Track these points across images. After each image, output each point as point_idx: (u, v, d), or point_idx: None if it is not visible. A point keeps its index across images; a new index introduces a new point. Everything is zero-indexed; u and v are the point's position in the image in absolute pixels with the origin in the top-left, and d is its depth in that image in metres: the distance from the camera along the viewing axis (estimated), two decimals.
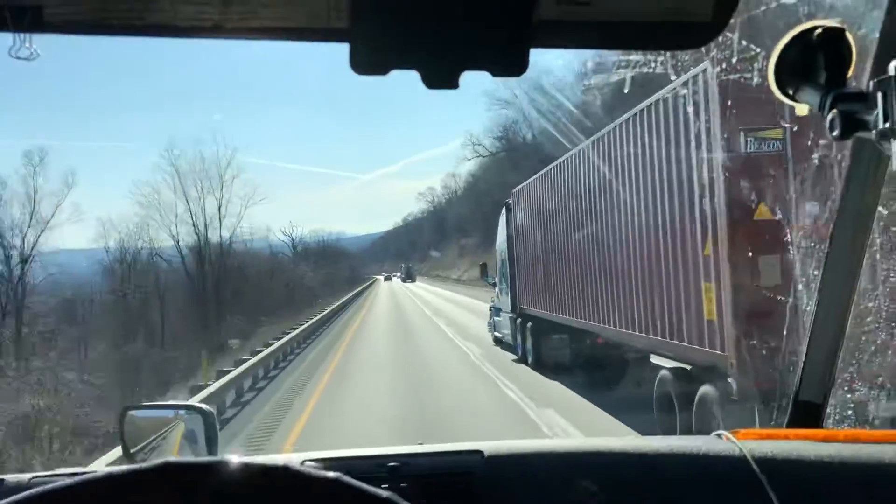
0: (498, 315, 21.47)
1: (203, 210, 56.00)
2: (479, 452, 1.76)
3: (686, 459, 1.69)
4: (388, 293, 78.21)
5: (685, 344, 8.68)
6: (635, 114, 10.01)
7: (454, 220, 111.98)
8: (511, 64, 0.79)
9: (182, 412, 2.22)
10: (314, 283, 67.76)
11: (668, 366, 9.43)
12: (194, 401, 9.07)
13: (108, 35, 0.80)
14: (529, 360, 17.22)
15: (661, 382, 9.63)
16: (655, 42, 0.90)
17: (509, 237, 19.35)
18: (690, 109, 8.03)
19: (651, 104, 9.42)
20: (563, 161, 14.36)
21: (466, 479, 1.71)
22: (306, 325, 30.48)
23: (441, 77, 0.79)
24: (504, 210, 19.99)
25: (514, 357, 18.73)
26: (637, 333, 10.47)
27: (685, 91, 8.18)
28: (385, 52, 0.78)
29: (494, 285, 21.95)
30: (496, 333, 22.04)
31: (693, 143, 8.20)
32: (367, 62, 0.78)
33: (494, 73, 0.80)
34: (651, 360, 10.07)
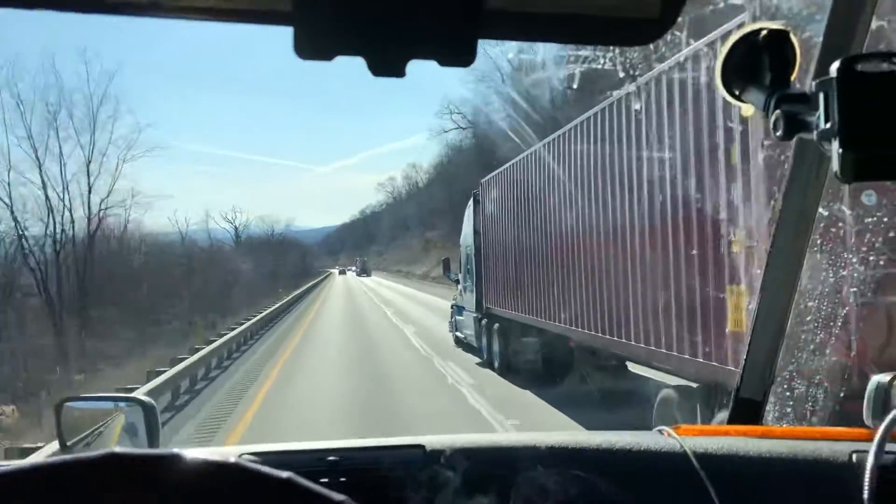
0: (460, 314, 19.99)
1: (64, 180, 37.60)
2: (420, 447, 1.75)
3: (628, 455, 1.71)
4: (343, 291, 69.97)
5: (698, 359, 7.32)
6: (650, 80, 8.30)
7: (418, 212, 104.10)
8: (459, 53, 0.78)
9: (122, 404, 2.16)
10: (254, 277, 58.47)
11: (673, 383, 8.20)
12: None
13: (37, 9, 0.77)
14: (496, 364, 15.89)
15: (665, 403, 8.14)
16: (604, 37, 0.90)
17: (476, 231, 17.96)
18: None
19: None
20: (542, 147, 12.80)
21: (407, 473, 1.70)
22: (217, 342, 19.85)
23: (387, 65, 0.78)
24: (471, 201, 18.48)
25: (479, 360, 17.25)
26: (630, 343, 9.06)
27: None
28: (330, 38, 0.77)
29: (457, 282, 20.52)
30: (458, 334, 20.45)
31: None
32: (312, 47, 0.77)
33: (442, 63, 0.79)
34: (632, 371, 9.58)
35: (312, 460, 1.70)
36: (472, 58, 0.79)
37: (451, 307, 21.59)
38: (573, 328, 11.24)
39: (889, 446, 1.53)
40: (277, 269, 71.31)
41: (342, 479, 1.65)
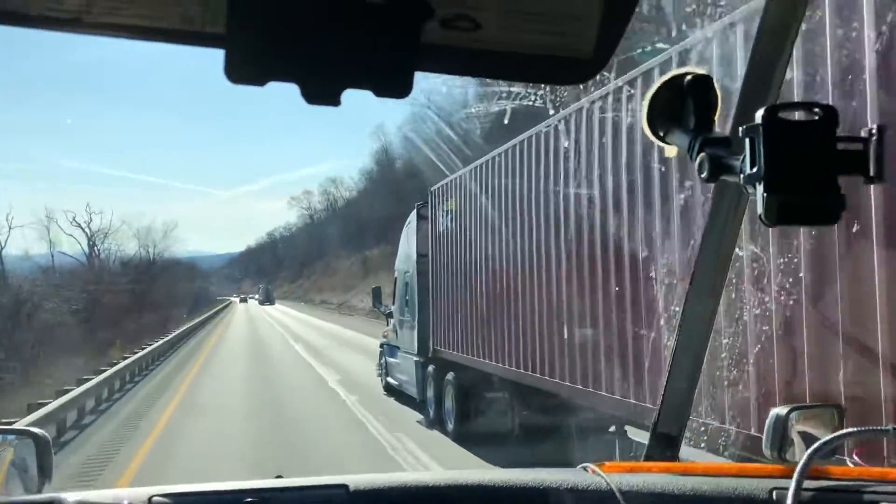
0: (393, 356, 16.07)
1: None
2: (343, 486, 1.72)
3: (555, 492, 1.71)
4: (245, 326, 54.83)
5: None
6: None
7: (341, 232, 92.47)
8: (394, 85, 0.79)
9: (11, 437, 1.98)
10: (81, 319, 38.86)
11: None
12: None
13: None
14: (450, 426, 12.16)
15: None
16: (538, 75, 0.92)
17: (420, 254, 13.93)
18: None
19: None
20: (525, 140, 9.56)
21: None
22: None
23: (322, 93, 0.78)
24: (412, 217, 14.59)
25: (421, 418, 13.71)
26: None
27: None
28: (263, 63, 0.76)
29: (390, 316, 16.60)
30: (389, 379, 16.52)
31: None
32: (244, 72, 0.76)
33: (378, 94, 0.79)
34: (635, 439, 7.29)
35: (227, 502, 1.64)
36: (408, 90, 0.79)
37: (381, 347, 17.58)
38: (584, 388, 8.25)
39: (807, 482, 1.57)
40: (152, 298, 53.95)
41: None
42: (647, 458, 2.07)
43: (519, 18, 0.82)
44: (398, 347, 15.73)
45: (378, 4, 0.76)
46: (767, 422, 1.86)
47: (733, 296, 5.06)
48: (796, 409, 1.87)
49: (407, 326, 14.92)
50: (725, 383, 5.19)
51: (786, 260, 4.67)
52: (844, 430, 1.66)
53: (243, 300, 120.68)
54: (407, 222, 15.27)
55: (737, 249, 2.01)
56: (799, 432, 1.83)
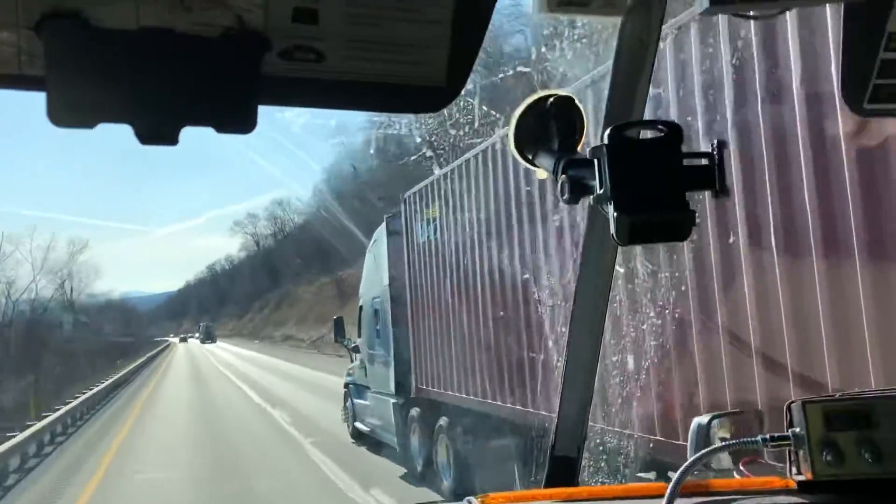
0: (361, 397, 13.87)
1: None
2: None
3: None
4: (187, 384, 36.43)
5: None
6: None
7: (302, 254, 79.96)
8: (237, 120, 0.74)
9: None
10: None
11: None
12: None
13: None
14: (446, 482, 10.04)
15: None
16: (391, 104, 0.89)
17: (394, 276, 11.49)
18: None
19: None
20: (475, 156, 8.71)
21: None
22: None
23: (158, 132, 0.73)
24: (382, 234, 12.09)
25: (404, 471, 11.63)
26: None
27: None
28: (88, 104, 0.71)
29: (355, 351, 14.17)
30: (359, 425, 14.09)
31: None
32: (68, 114, 0.71)
33: (219, 130, 0.75)
34: None
35: None
36: (253, 125, 0.76)
37: (346, 387, 15.18)
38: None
39: (684, 501, 1.57)
40: (76, 346, 48.65)
41: None
42: (548, 483, 2.05)
43: (365, 49, 0.80)
44: (367, 387, 13.34)
45: (212, 38, 0.72)
46: (690, 430, 1.87)
47: (618, 312, 5.17)
48: (717, 416, 1.89)
49: (379, 362, 12.37)
50: (619, 400, 5.28)
51: (667, 275, 4.81)
52: (713, 447, 1.68)
53: (183, 340, 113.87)
54: (372, 240, 12.87)
55: (618, 267, 2.03)
56: (721, 439, 1.85)
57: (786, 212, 3.99)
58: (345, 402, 15.40)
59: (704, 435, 1.83)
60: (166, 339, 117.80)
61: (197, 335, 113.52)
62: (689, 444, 1.85)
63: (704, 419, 1.85)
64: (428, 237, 10.35)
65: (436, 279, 10.15)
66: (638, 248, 4.98)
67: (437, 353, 10.11)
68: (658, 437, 5.04)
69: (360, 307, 13.68)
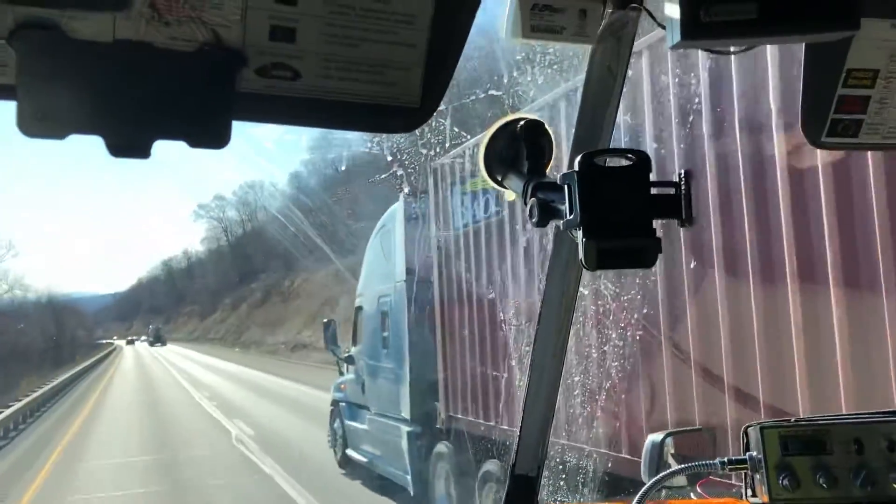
0: (357, 419, 11.25)
1: None
2: None
3: None
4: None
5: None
6: None
7: (289, 241, 55.38)
8: (210, 135, 0.75)
9: None
10: None
11: None
12: None
13: None
14: None
15: None
16: (365, 124, 0.91)
17: (411, 270, 9.04)
18: None
19: None
20: None
21: None
22: None
23: (129, 145, 0.73)
24: (394, 218, 9.53)
25: None
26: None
27: None
28: (59, 115, 0.71)
29: (349, 361, 11.49)
30: (351, 452, 11.51)
31: None
32: (38, 124, 0.70)
33: (192, 144, 0.75)
34: None
35: None
36: (226, 140, 0.76)
37: (333, 405, 12.62)
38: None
39: None
40: None
41: None
42: (508, 502, 2.06)
43: (340, 68, 0.81)
44: (365, 407, 10.73)
45: (188, 53, 0.73)
46: (644, 448, 1.89)
47: (581, 332, 5.21)
48: (671, 434, 1.91)
49: (385, 378, 9.80)
50: (580, 420, 5.30)
51: (630, 296, 4.87)
52: (669, 470, 1.70)
53: (130, 343, 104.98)
54: (378, 228, 10.40)
55: (582, 288, 2.06)
56: (674, 456, 1.87)
57: (756, 235, 4.09)
58: (331, 423, 12.57)
59: (658, 452, 1.85)
60: (112, 341, 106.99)
61: (144, 338, 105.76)
62: (643, 461, 1.87)
63: (658, 437, 1.88)
64: (470, 218, 7.78)
65: (484, 274, 7.43)
66: (602, 271, 5.03)
67: (483, 372, 7.43)
68: (617, 454, 5.09)
69: (358, 309, 11.14)
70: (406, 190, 9.30)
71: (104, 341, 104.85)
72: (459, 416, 7.98)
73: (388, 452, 9.81)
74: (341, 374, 12.25)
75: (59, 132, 0.71)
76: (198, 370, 42.29)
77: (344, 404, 11.97)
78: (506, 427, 6.78)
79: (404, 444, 9.06)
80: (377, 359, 10.16)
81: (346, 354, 11.58)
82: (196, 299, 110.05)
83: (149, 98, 0.73)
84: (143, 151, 0.73)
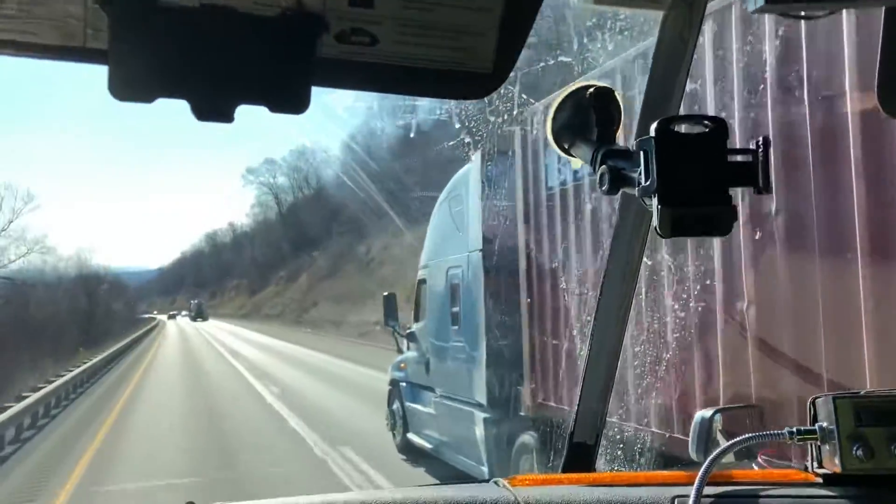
0: (420, 401, 10.35)
1: None
2: None
3: None
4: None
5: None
6: None
7: (340, 212, 57.01)
8: (291, 100, 0.77)
9: None
10: None
11: None
12: None
13: None
14: None
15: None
16: (438, 90, 0.92)
17: (490, 238, 8.05)
18: None
19: None
20: None
21: None
22: None
23: (213, 109, 0.75)
24: (469, 178, 8.54)
25: None
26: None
27: None
28: (148, 79, 0.73)
29: (410, 339, 10.74)
30: (413, 437, 10.64)
31: None
32: (129, 89, 0.73)
33: (273, 109, 0.77)
34: None
35: None
36: (305, 106, 0.78)
37: (393, 385, 11.75)
38: None
39: (708, 489, 1.60)
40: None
41: None
42: (565, 469, 2.08)
43: (416, 34, 0.82)
44: (430, 388, 9.86)
45: (270, 18, 0.75)
46: (693, 424, 1.89)
47: (643, 303, 5.17)
48: (720, 410, 1.91)
49: (455, 357, 8.97)
50: (639, 390, 5.29)
51: (693, 267, 4.81)
52: (740, 437, 1.70)
53: (171, 317, 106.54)
54: (446, 193, 9.45)
55: (645, 258, 2.05)
56: (723, 433, 1.87)
57: (821, 209, 4.00)
58: (389, 405, 11.76)
59: (707, 429, 1.85)
60: (154, 316, 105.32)
61: (185, 313, 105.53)
62: (691, 437, 1.87)
63: (707, 413, 1.87)
64: (569, 176, 6.69)
65: (587, 241, 6.32)
66: (664, 241, 4.98)
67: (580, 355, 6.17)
68: (669, 432, 5.07)
69: (420, 282, 10.21)
70: (478, 152, 8.17)
71: (146, 315, 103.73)
72: (551, 403, 6.93)
73: (459, 440, 8.79)
74: (400, 352, 11.52)
75: (147, 96, 0.74)
76: (261, 358, 32.44)
77: (404, 384, 11.10)
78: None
79: (479, 431, 8.10)
80: (445, 336, 9.25)
81: (408, 331, 10.77)
82: (245, 273, 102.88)
83: (232, 63, 0.75)
84: (226, 116, 0.76)
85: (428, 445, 10.04)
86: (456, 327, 8.88)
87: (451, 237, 9.10)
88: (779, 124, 4.20)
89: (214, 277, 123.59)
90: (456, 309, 8.86)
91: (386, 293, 11.90)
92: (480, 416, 8.04)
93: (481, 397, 7.98)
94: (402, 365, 11.20)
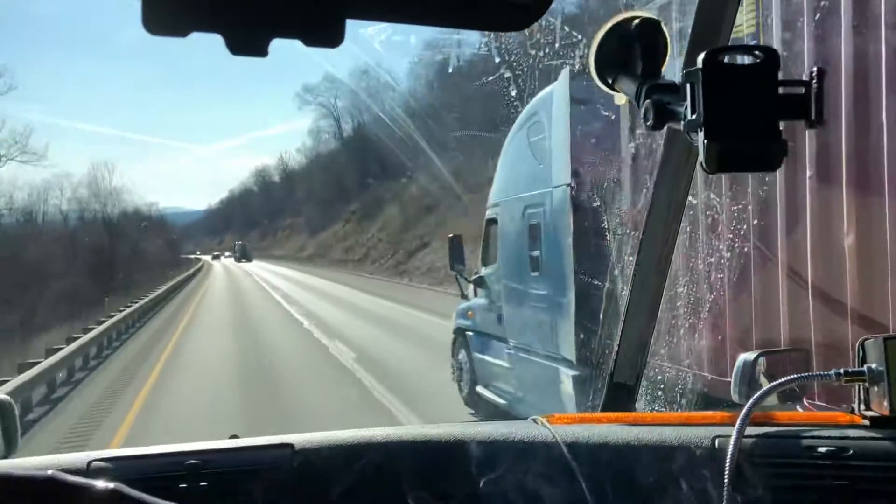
0: (490, 352, 9.34)
1: None
2: (289, 445, 1.70)
3: (501, 445, 1.71)
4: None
5: None
6: None
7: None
8: (325, 33, 0.75)
9: None
10: None
11: None
12: None
13: None
14: None
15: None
16: (476, 21, 0.89)
17: (578, 169, 6.95)
18: None
19: None
20: None
21: (275, 474, 1.64)
22: None
23: (247, 43, 0.74)
24: (554, 100, 7.34)
25: None
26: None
27: None
28: (182, 12, 0.72)
29: (478, 283, 9.64)
30: (484, 391, 9.52)
31: None
32: (162, 21, 0.72)
33: (307, 43, 0.75)
34: None
35: (170, 464, 1.62)
36: (340, 39, 0.76)
37: (458, 334, 10.59)
38: None
39: (749, 429, 1.59)
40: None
41: (202, 484, 1.57)
42: (605, 408, 2.09)
43: None
44: (502, 339, 8.83)
45: None
46: (735, 367, 1.88)
47: (688, 243, 5.11)
48: (764, 353, 1.89)
49: (534, 305, 7.91)
50: (681, 332, 5.26)
51: (740, 207, 4.73)
52: (785, 378, 1.68)
53: (216, 258, 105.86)
54: (524, 119, 8.17)
55: (690, 197, 2.01)
56: (765, 375, 1.86)
57: (860, 149, 3.86)
58: (454, 354, 10.61)
59: (750, 372, 1.83)
60: (200, 258, 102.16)
61: (228, 254, 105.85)
62: (733, 380, 1.86)
63: (751, 356, 1.85)
64: None
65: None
66: (706, 180, 4.89)
67: (694, 306, 5.35)
68: (711, 374, 5.03)
69: (490, 222, 9.20)
70: (565, 68, 7.00)
71: (192, 256, 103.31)
72: (663, 362, 5.62)
73: (540, 398, 7.75)
74: (464, 297, 10.35)
75: (181, 30, 0.73)
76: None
77: (471, 334, 9.97)
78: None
79: (566, 390, 7.09)
80: (522, 282, 8.15)
81: (477, 276, 9.60)
82: (301, 210, 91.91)
83: None
84: (260, 50, 0.74)
85: (500, 401, 8.93)
86: (536, 273, 7.73)
87: (529, 171, 7.94)
88: (848, 52, 3.96)
89: (266, 215, 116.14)
90: (536, 252, 7.68)
91: (451, 234, 10.64)
92: (568, 373, 6.95)
93: (568, 353, 6.90)
94: (470, 313, 10.03)
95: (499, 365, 8.91)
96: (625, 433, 1.70)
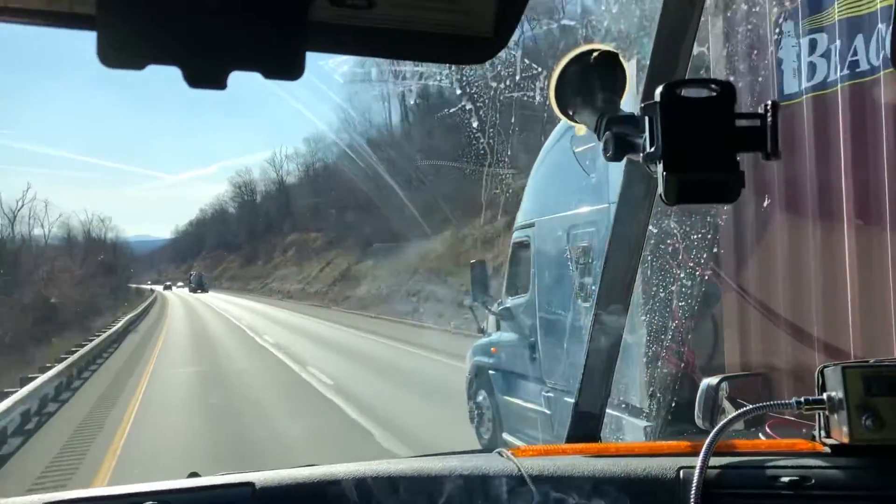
0: (518, 393, 8.06)
1: None
2: (249, 484, 1.67)
3: (465, 478, 1.69)
4: None
5: None
6: None
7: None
8: (284, 66, 0.74)
9: None
10: None
11: None
12: None
13: None
14: None
15: None
16: (436, 54, 0.89)
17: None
18: None
19: None
20: None
21: None
22: None
23: (206, 75, 0.73)
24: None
25: None
26: None
27: None
28: (138, 44, 0.71)
29: (504, 315, 8.31)
30: (510, 437, 8.17)
31: None
32: (117, 54, 0.71)
33: (267, 75, 0.75)
34: None
35: None
36: (300, 71, 0.76)
37: (476, 374, 9.24)
38: None
39: (714, 459, 1.59)
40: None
41: None
42: (569, 439, 2.08)
43: None
44: (539, 379, 7.43)
45: None
46: (699, 392, 1.88)
47: (649, 272, 5.15)
48: (726, 378, 1.91)
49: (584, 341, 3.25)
50: (645, 360, 5.28)
51: (699, 236, 4.78)
52: (747, 407, 1.69)
53: (167, 287, 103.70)
54: (564, 127, 6.71)
55: (651, 227, 2.03)
56: (729, 400, 1.87)
57: (822, 178, 3.93)
58: (472, 397, 9.23)
59: (713, 396, 1.84)
60: (151, 287, 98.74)
61: (181, 284, 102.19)
62: (697, 404, 1.86)
63: (714, 381, 1.86)
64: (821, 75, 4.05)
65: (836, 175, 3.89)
66: (671, 207, 4.94)
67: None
68: (677, 400, 5.07)
69: (518, 247, 7.98)
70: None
71: (144, 286, 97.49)
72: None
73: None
74: (481, 332, 9.29)
75: (137, 62, 0.71)
76: None
77: (495, 373, 8.66)
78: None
79: None
80: (567, 314, 6.95)
81: (501, 308, 8.35)
82: (268, 240, 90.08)
83: (224, 27, 0.72)
84: (218, 82, 0.73)
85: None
86: (586, 304, 6.35)
87: (574, 184, 6.68)
88: (779, 90, 4.13)
89: (221, 245, 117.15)
90: (586, 279, 6.47)
91: (474, 261, 9.23)
92: (637, 424, 5.57)
93: (638, 400, 5.58)
94: (493, 349, 8.78)
95: (533, 409, 7.53)
96: (590, 465, 1.70)
